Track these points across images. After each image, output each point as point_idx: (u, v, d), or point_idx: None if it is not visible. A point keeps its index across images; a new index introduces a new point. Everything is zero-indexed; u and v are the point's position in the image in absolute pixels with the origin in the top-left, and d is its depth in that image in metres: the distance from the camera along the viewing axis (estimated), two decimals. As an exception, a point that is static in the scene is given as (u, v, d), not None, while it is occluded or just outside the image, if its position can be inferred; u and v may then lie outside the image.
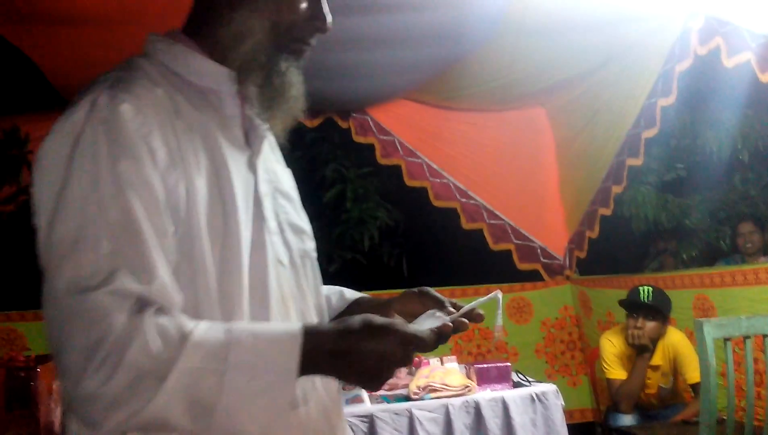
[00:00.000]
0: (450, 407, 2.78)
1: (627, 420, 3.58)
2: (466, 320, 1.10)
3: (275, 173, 1.19)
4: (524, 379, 3.06)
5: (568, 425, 3.41)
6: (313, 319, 1.17)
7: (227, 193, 1.04)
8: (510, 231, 4.97)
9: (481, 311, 1.14)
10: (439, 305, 1.17)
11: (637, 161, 4.16)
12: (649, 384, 3.68)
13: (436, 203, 4.84)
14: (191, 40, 1.12)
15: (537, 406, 2.86)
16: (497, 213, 4.96)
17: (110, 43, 3.11)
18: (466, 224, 4.85)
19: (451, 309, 1.15)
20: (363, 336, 0.96)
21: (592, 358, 4.68)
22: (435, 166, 4.82)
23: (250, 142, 1.13)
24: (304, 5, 1.11)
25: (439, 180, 4.84)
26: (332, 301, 1.31)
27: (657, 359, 3.67)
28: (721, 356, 2.78)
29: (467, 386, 2.87)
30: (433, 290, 1.21)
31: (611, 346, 3.70)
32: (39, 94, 3.50)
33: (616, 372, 3.64)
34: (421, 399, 2.81)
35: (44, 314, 0.94)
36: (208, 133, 1.06)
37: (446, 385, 2.85)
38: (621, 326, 3.76)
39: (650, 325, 3.52)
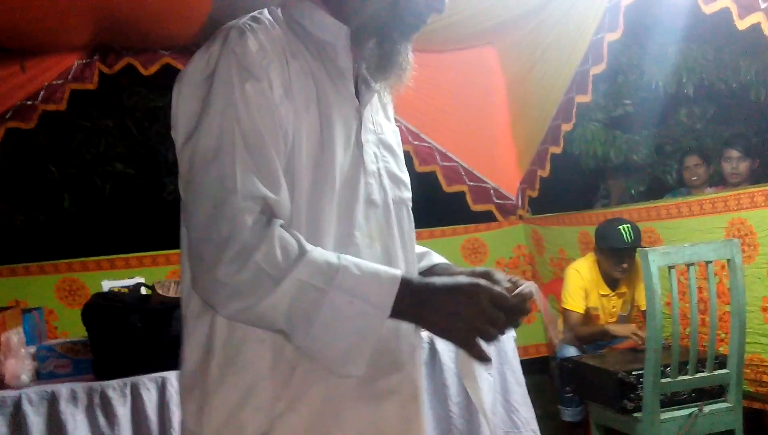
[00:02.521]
0: (405, 344, 2.81)
1: (574, 350, 3.69)
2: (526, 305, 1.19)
3: (381, 126, 1.30)
4: (477, 314, 3.10)
5: (524, 360, 3.50)
6: (398, 261, 1.26)
7: (327, 132, 1.17)
8: (463, 173, 4.99)
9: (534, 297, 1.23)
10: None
11: (585, 98, 4.18)
12: (613, 312, 3.78)
13: (389, 147, 4.81)
14: None
15: (489, 339, 2.91)
16: (450, 155, 4.96)
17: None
18: (419, 167, 4.84)
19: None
20: (449, 293, 1.09)
21: (544, 293, 4.77)
22: (386, 110, 4.78)
23: (360, 95, 1.25)
24: None
25: (390, 123, 4.80)
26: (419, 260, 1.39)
27: (623, 287, 3.76)
28: (666, 284, 2.86)
29: (421, 323, 2.90)
30: (496, 272, 1.26)
31: (578, 278, 3.74)
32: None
33: (576, 304, 3.71)
34: (377, 337, 2.84)
35: (188, 212, 1.11)
36: (319, 77, 1.19)
37: (401, 323, 2.88)
38: (590, 258, 3.80)
39: (632, 262, 3.58)
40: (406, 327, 1.21)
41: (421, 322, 1.12)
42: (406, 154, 4.79)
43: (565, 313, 3.77)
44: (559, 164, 4.71)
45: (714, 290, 2.88)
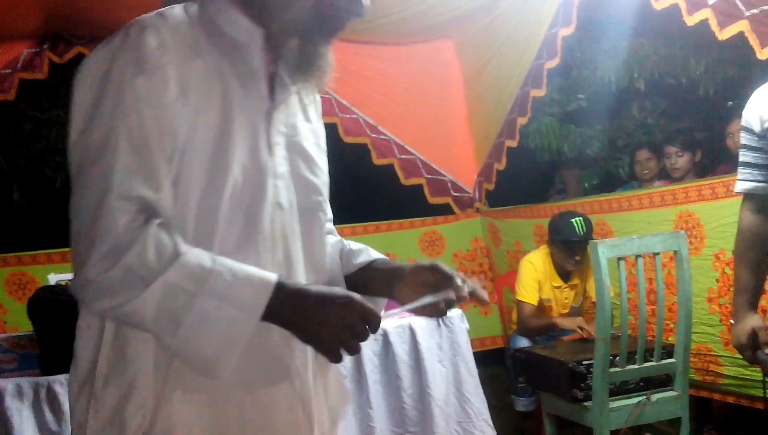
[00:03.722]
0: (359, 336, 2.82)
1: (526, 341, 3.74)
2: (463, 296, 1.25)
3: (296, 129, 1.29)
4: (431, 306, 3.13)
5: (480, 352, 3.54)
6: (299, 266, 1.26)
7: (226, 133, 1.16)
8: (421, 165, 5.00)
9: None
10: (448, 280, 1.26)
11: (540, 92, 4.23)
12: (565, 304, 3.83)
13: (346, 139, 4.80)
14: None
15: (443, 331, 2.93)
16: (408, 148, 4.97)
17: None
18: (376, 160, 4.84)
19: (459, 283, 1.26)
20: (322, 303, 1.10)
21: (499, 285, 4.83)
22: (344, 102, 4.77)
23: (274, 97, 1.24)
24: None
25: (348, 115, 4.79)
26: (349, 259, 1.39)
27: (575, 279, 3.81)
28: (615, 275, 2.92)
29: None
30: (444, 266, 1.28)
31: (531, 270, 3.78)
32: None
33: (529, 296, 3.75)
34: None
35: (72, 208, 1.10)
36: (227, 77, 1.19)
37: (354, 315, 2.88)
38: (543, 250, 3.85)
39: (584, 254, 3.63)
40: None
41: (291, 328, 1.12)
42: (364, 147, 4.81)
43: (518, 304, 3.81)
44: (515, 158, 4.76)
45: (662, 281, 2.94)
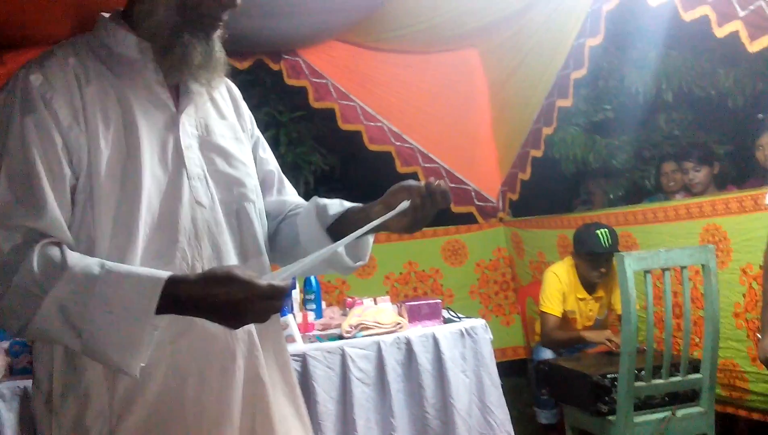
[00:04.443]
0: (382, 344, 2.81)
1: (550, 353, 3.71)
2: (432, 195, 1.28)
3: (208, 128, 1.35)
4: (455, 315, 3.12)
5: (502, 362, 3.52)
6: (230, 255, 1.32)
7: (132, 147, 1.23)
8: (444, 174, 5.01)
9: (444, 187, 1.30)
10: (417, 189, 1.29)
11: (566, 102, 4.22)
12: (589, 316, 3.80)
13: (371, 147, 4.81)
14: (123, 18, 1.32)
15: (466, 341, 2.92)
16: (432, 156, 4.97)
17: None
18: (401, 168, 4.85)
19: (418, 186, 1.30)
20: (209, 284, 1.11)
21: (522, 296, 4.80)
22: (369, 110, 4.79)
23: (179, 103, 1.32)
24: None
25: (373, 123, 4.81)
26: (325, 212, 1.40)
27: (600, 291, 3.78)
28: (641, 288, 2.89)
29: (399, 323, 2.90)
30: (413, 182, 1.31)
31: (556, 281, 3.75)
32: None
33: (553, 307, 3.73)
34: (354, 337, 2.84)
35: None
36: (125, 95, 1.26)
37: (378, 323, 2.88)
38: (568, 262, 3.83)
39: (609, 266, 3.61)
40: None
41: (195, 314, 1.15)
42: (388, 155, 4.82)
43: (542, 315, 3.79)
44: (540, 168, 4.74)
45: (688, 295, 2.91)
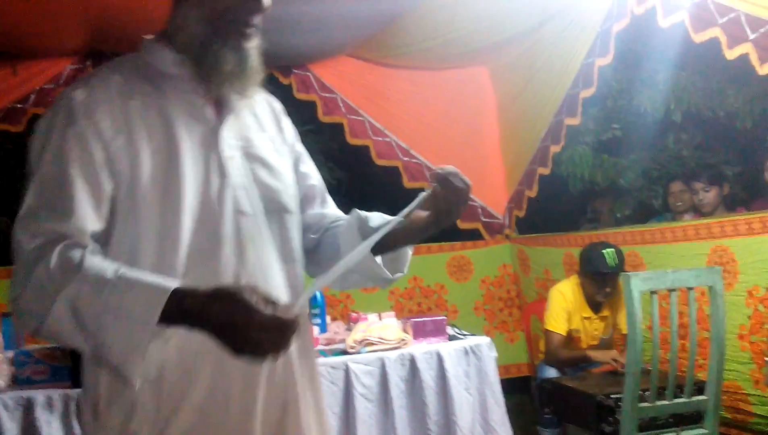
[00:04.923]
0: (386, 360, 2.81)
1: (554, 371, 3.69)
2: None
3: (250, 140, 1.38)
4: (459, 332, 3.11)
5: (505, 380, 3.50)
6: (272, 264, 1.34)
7: (173, 156, 1.26)
8: (451, 190, 5.00)
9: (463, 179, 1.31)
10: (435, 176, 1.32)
11: (574, 121, 4.23)
12: (594, 335, 3.78)
13: (379, 162, 4.83)
14: (163, 36, 1.36)
15: (471, 358, 2.91)
16: (439, 172, 4.97)
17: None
18: (408, 183, 4.86)
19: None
20: (212, 300, 1.11)
21: (527, 314, 4.79)
22: (377, 125, 4.81)
23: (221, 116, 1.35)
24: None
25: (381, 138, 4.83)
26: (366, 225, 1.40)
27: (605, 310, 3.77)
28: (647, 309, 2.88)
29: (403, 339, 2.90)
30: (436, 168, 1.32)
31: (561, 300, 3.74)
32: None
33: (558, 326, 3.71)
34: (358, 353, 2.84)
35: None
36: (165, 109, 1.30)
37: (382, 339, 2.87)
38: (573, 280, 3.81)
39: (615, 286, 3.60)
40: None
41: (200, 330, 1.13)
42: (395, 170, 4.83)
43: (547, 334, 3.77)
44: (547, 185, 4.74)
45: (694, 316, 2.90)
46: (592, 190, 5.32)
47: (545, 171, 4.58)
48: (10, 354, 2.66)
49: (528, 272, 4.97)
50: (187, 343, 1.21)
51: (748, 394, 3.22)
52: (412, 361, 2.84)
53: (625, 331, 3.38)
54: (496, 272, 5.19)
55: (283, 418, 1.33)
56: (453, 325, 3.20)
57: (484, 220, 5.15)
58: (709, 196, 4.12)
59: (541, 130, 4.52)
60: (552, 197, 4.98)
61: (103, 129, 1.24)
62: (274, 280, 1.34)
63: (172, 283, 1.14)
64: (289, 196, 1.42)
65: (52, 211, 1.19)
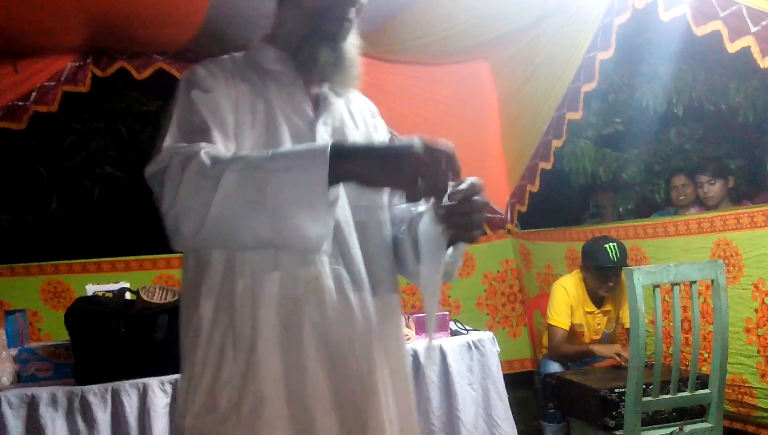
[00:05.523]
0: (389, 356, 2.81)
1: (557, 366, 3.69)
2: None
3: (343, 135, 1.44)
4: (462, 327, 3.11)
5: (509, 375, 3.50)
6: (356, 254, 1.37)
7: (274, 142, 1.33)
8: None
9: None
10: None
11: (576, 115, 4.22)
12: (597, 330, 3.78)
13: (379, 157, 4.82)
14: (269, 37, 1.48)
15: (474, 353, 2.91)
16: (440, 167, 4.96)
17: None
18: (408, 178, 4.85)
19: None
20: (387, 145, 1.16)
21: (530, 308, 4.79)
22: (378, 120, 4.80)
23: (318, 110, 1.42)
24: None
25: (382, 134, 4.82)
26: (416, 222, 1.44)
27: (608, 305, 3.77)
28: (650, 303, 2.87)
29: (406, 335, 2.90)
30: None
31: (564, 294, 3.74)
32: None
33: (561, 320, 3.71)
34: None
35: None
36: (271, 100, 1.38)
37: (385, 335, 2.87)
38: (576, 275, 3.81)
39: (618, 280, 3.60)
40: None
41: (363, 171, 1.15)
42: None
43: (550, 328, 3.78)
44: (549, 180, 4.74)
45: (698, 310, 2.89)
46: (594, 184, 5.31)
47: (547, 165, 4.58)
48: (14, 351, 2.67)
49: (530, 267, 4.97)
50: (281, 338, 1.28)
51: (754, 388, 3.21)
52: (415, 357, 2.84)
53: (628, 326, 3.38)
54: (499, 267, 5.19)
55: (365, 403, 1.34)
56: (455, 321, 3.19)
57: (486, 215, 5.14)
58: (714, 188, 4.12)
59: (542, 124, 4.51)
60: (554, 192, 4.98)
61: (217, 96, 1.33)
62: (357, 270, 1.37)
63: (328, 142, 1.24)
64: (378, 194, 1.46)
65: (191, 134, 1.27)
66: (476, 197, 1.28)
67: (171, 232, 1.19)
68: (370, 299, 1.37)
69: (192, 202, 1.15)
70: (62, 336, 2.72)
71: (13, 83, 3.95)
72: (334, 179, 1.13)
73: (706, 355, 3.18)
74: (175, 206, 1.16)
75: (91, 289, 3.00)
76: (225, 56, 1.45)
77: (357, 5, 1.42)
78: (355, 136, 1.47)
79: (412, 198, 1.13)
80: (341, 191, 1.34)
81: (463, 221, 1.27)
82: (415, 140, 1.14)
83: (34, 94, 4.04)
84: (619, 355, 3.41)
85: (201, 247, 1.29)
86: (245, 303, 1.28)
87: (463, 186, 1.25)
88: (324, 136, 1.39)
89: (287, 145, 1.34)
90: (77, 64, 4.07)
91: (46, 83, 4.05)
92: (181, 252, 1.34)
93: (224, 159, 1.17)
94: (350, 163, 1.14)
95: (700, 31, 3.02)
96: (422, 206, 1.49)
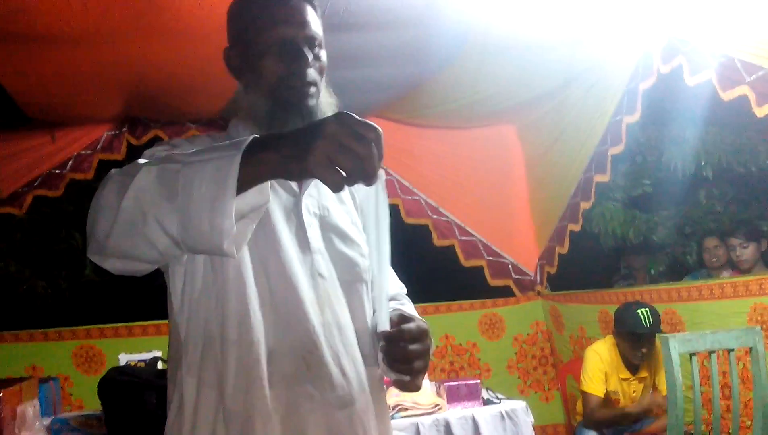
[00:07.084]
0: (420, 426, 2.77)
1: (593, 434, 3.60)
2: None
3: (328, 210, 1.43)
4: (494, 396, 3.06)
5: (541, 440, 3.43)
6: (348, 325, 1.38)
7: (266, 220, 1.31)
8: (481, 247, 4.99)
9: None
10: None
11: (604, 177, 4.21)
12: (633, 397, 3.70)
13: (408, 220, 4.84)
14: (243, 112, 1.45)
15: (507, 423, 2.86)
16: (468, 229, 4.97)
17: (76, 62, 3.11)
18: (437, 241, 4.86)
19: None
20: (304, 128, 1.03)
21: (563, 373, 4.70)
22: (406, 184, 4.84)
23: (302, 187, 1.40)
24: (273, 67, 1.35)
25: (410, 197, 4.85)
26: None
27: (643, 371, 3.69)
28: (687, 369, 2.82)
29: (437, 404, 2.86)
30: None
31: (598, 361, 3.68)
32: (4, 113, 3.48)
33: (595, 387, 3.64)
34: (392, 418, 2.80)
35: None
36: None
37: (416, 404, 2.84)
38: (609, 340, 3.75)
39: (651, 346, 3.54)
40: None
41: (285, 163, 1.01)
42: (425, 228, 4.84)
43: (584, 395, 3.70)
44: (578, 241, 4.71)
45: (737, 378, 2.83)
46: (624, 246, 5.27)
47: (576, 227, 4.56)
48: (47, 421, 2.68)
49: (562, 330, 4.90)
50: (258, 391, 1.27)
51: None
52: (448, 427, 2.80)
53: (665, 393, 3.31)
54: (529, 330, 5.12)
55: None
56: (487, 388, 3.15)
57: (515, 276, 5.11)
58: (747, 252, 4.07)
59: (570, 186, 4.51)
60: (584, 253, 4.94)
61: None
62: (350, 342, 1.37)
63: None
64: (363, 266, 1.45)
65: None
66: (413, 346, 1.29)
67: (87, 238, 1.15)
68: (363, 372, 1.38)
69: (107, 200, 1.11)
70: (93, 401, 2.73)
71: (51, 152, 4.06)
72: (249, 173, 1.02)
73: (748, 423, 3.09)
74: (92, 208, 1.13)
75: (123, 358, 3.02)
76: (205, 135, 1.46)
77: (316, 65, 1.38)
78: (340, 210, 1.46)
79: (333, 187, 0.98)
80: (331, 265, 1.37)
81: (403, 368, 1.30)
82: (331, 116, 1.00)
83: (71, 162, 4.16)
84: (655, 403, 3.32)
85: (112, 255, 1.15)
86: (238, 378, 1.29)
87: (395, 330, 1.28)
88: (309, 209, 1.40)
89: (277, 220, 1.34)
90: (113, 132, 4.19)
91: (82, 152, 4.16)
92: (96, 263, 1.20)
93: (154, 159, 1.13)
94: (265, 153, 1.02)
95: (726, 96, 3.03)
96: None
